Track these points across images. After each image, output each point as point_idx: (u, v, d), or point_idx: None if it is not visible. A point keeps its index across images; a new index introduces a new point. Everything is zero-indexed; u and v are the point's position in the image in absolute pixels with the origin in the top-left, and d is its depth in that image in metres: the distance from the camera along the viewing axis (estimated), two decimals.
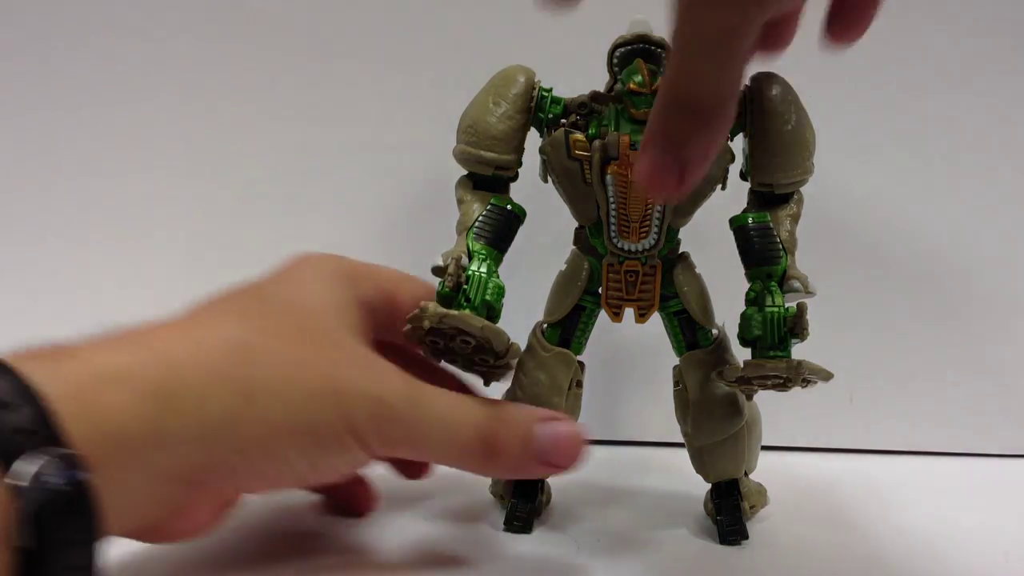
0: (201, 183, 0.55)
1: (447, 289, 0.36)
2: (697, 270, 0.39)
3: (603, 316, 0.40)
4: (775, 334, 0.35)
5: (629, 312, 0.39)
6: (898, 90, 0.53)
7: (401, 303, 0.39)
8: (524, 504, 0.40)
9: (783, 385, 0.36)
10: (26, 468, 0.25)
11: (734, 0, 0.28)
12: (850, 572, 0.38)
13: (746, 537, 0.39)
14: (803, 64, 0.36)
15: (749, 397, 0.39)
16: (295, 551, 0.38)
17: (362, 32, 0.54)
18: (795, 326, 0.35)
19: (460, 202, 0.38)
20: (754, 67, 0.34)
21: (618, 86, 0.37)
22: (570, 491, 0.44)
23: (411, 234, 0.53)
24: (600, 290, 0.39)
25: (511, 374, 0.39)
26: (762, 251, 0.37)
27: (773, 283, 0.36)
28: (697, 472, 0.41)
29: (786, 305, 0.36)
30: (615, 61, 0.37)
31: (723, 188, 0.38)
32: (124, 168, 0.55)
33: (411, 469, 0.43)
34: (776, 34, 0.34)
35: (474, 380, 0.40)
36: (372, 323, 0.38)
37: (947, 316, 0.54)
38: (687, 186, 0.31)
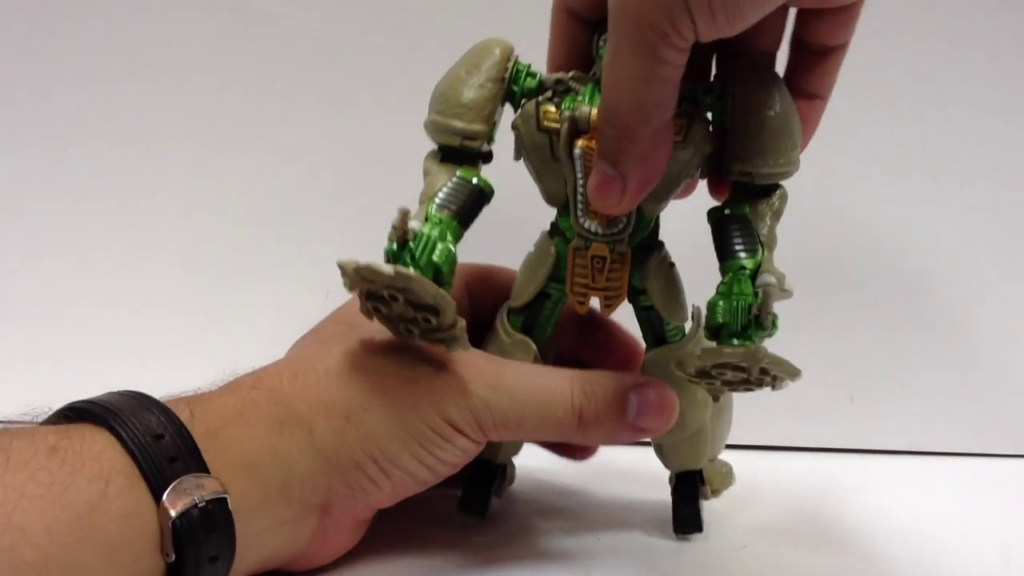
0: (201, 189, 0.55)
1: (392, 247, 0.33)
2: (671, 261, 0.37)
3: (574, 311, 0.39)
4: (738, 321, 0.32)
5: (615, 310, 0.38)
6: (906, 96, 0.53)
7: (497, 281, 0.42)
8: (480, 486, 0.40)
9: (747, 382, 0.34)
10: (178, 491, 0.29)
11: (647, 18, 0.29)
12: (850, 572, 0.38)
13: (699, 529, 0.39)
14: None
15: (716, 398, 0.37)
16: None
17: (362, 33, 0.54)
18: (760, 314, 0.32)
19: (425, 174, 0.37)
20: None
21: (598, 73, 0.35)
22: (550, 490, 0.45)
23: None
24: (565, 275, 0.37)
25: (462, 331, 0.35)
26: (737, 243, 0.34)
27: (744, 273, 0.34)
28: (658, 458, 0.40)
29: (756, 294, 0.33)
30: (600, 45, 0.36)
31: (702, 176, 0.37)
32: (124, 168, 0.55)
33: (574, 452, 0.44)
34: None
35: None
36: (466, 312, 0.40)
37: (947, 316, 0.54)
38: (630, 200, 0.32)
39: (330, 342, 0.37)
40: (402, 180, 0.53)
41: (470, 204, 0.36)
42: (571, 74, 0.36)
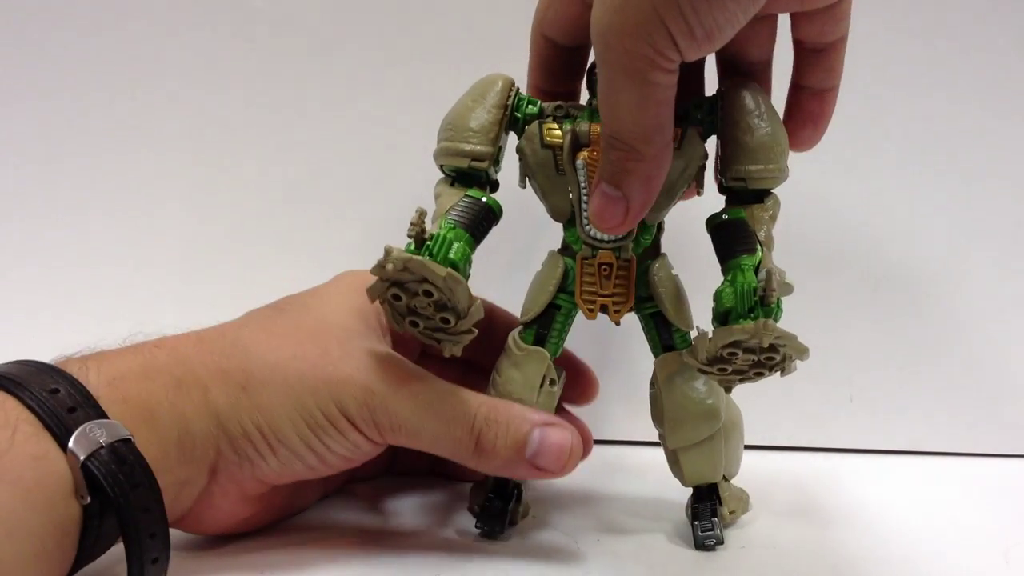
0: (202, 188, 0.55)
1: (410, 246, 0.35)
2: (674, 271, 0.39)
3: (584, 322, 0.39)
4: (745, 304, 0.34)
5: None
6: (907, 98, 0.52)
7: (496, 315, 0.43)
8: (498, 506, 0.40)
9: (758, 366, 0.35)
10: (82, 435, 0.30)
11: (641, 31, 0.29)
12: (850, 572, 0.38)
13: (721, 543, 0.39)
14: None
15: (728, 390, 0.37)
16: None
17: (362, 34, 0.54)
18: (765, 294, 0.33)
19: (436, 198, 0.39)
20: None
21: (595, 102, 0.37)
22: (550, 492, 0.45)
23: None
24: (575, 287, 0.39)
25: (469, 338, 0.37)
26: (736, 243, 0.36)
27: (747, 265, 0.35)
28: (674, 475, 0.41)
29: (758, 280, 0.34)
30: (594, 79, 0.38)
31: (699, 193, 0.38)
32: (124, 171, 0.55)
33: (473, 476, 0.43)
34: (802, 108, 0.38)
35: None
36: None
37: (947, 316, 0.54)
38: (632, 220, 0.34)
39: (251, 320, 0.38)
40: (402, 178, 0.53)
41: (480, 220, 0.38)
42: (568, 103, 0.38)
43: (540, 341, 0.39)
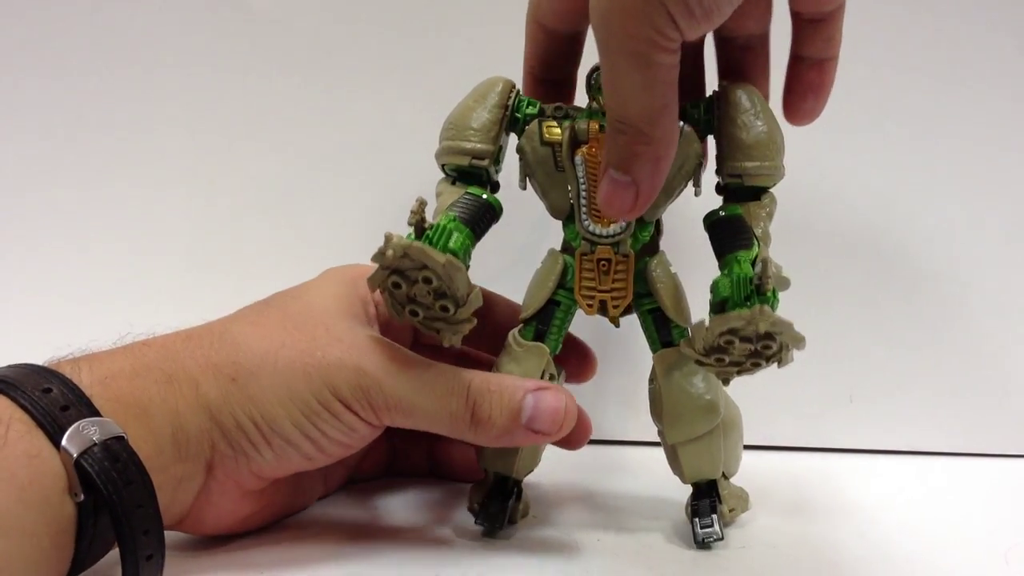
0: (199, 190, 0.55)
1: (410, 235, 0.36)
2: (673, 268, 0.39)
3: (584, 323, 0.39)
4: (741, 292, 0.34)
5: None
6: (907, 97, 0.53)
7: (497, 305, 0.43)
8: (497, 500, 0.40)
9: (754, 356, 0.35)
10: (75, 433, 0.30)
11: (641, 13, 0.30)
12: (850, 572, 0.38)
13: (721, 539, 0.39)
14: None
15: (726, 383, 0.37)
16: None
17: (362, 35, 0.54)
18: (760, 283, 0.34)
19: (438, 195, 0.39)
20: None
21: (594, 104, 0.38)
22: (550, 491, 0.45)
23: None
24: (574, 283, 0.39)
25: (469, 327, 0.37)
26: (733, 239, 0.36)
27: (743, 257, 0.35)
28: (673, 472, 0.41)
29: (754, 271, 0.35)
30: (592, 83, 0.39)
31: (697, 193, 0.38)
32: (124, 164, 0.55)
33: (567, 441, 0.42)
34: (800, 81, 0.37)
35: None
36: (383, 317, 0.40)
37: (947, 316, 0.54)
38: (642, 205, 0.34)
39: (239, 315, 0.39)
40: (401, 180, 0.53)
41: (481, 216, 0.38)
42: (568, 105, 0.39)
43: (539, 337, 0.40)
